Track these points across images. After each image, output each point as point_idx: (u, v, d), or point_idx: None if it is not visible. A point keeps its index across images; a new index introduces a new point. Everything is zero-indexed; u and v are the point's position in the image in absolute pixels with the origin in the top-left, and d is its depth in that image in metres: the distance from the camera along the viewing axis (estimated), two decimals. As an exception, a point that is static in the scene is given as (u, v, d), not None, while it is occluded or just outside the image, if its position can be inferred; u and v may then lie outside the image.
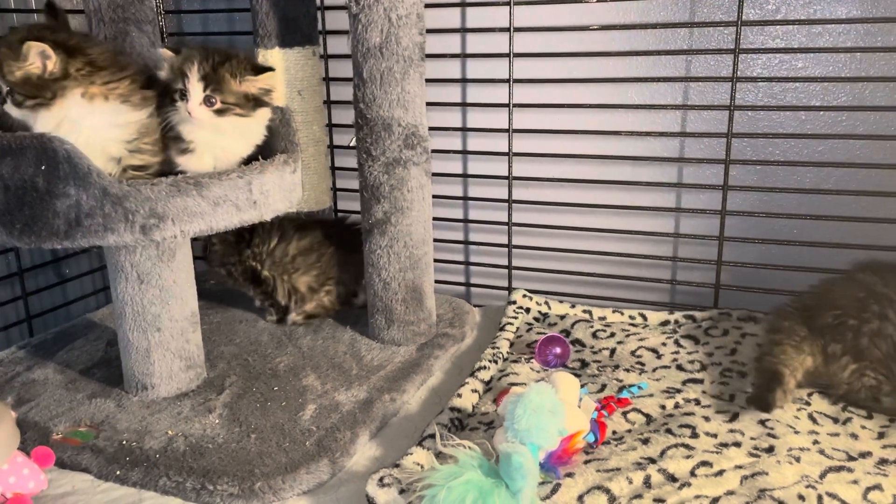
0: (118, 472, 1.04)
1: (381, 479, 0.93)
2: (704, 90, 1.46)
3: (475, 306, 1.62)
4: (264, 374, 1.29)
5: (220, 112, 1.13)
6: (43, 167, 0.98)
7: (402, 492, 0.91)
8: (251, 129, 1.20)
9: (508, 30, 1.49)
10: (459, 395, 1.16)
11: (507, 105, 1.53)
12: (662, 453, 0.98)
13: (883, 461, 0.94)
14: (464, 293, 1.74)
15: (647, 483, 0.92)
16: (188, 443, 1.09)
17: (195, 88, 1.11)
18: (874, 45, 1.33)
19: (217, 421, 1.15)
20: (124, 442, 1.10)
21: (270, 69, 1.18)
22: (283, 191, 1.17)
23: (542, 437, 0.92)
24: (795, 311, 1.19)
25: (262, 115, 1.21)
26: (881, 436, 0.99)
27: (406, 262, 1.37)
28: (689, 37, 1.45)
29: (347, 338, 1.43)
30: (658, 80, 1.47)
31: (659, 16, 1.45)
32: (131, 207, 1.01)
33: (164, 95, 1.15)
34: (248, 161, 1.19)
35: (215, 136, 1.16)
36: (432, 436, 1.05)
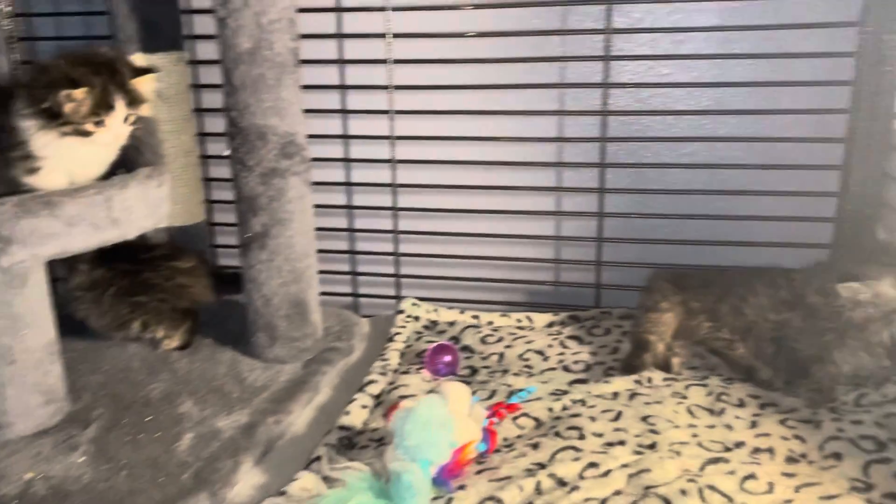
0: (-34, 526, 0.93)
1: (265, 510, 0.88)
2: (579, 96, 1.50)
3: (364, 317, 1.59)
4: (136, 403, 1.20)
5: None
6: None
7: (288, 521, 0.87)
8: (116, 140, 1.11)
9: (385, 36, 1.47)
10: (348, 413, 1.13)
11: (388, 112, 1.51)
12: (552, 457, 0.98)
13: (756, 450, 0.98)
14: (352, 304, 1.70)
15: (538, 489, 0.92)
16: (50, 485, 0.99)
17: (120, 112, 1.05)
18: (732, 51, 1.41)
19: (82, 459, 1.05)
20: (-27, 491, 0.99)
21: (151, 70, 1.10)
22: (147, 207, 1.09)
23: (432, 452, 0.90)
24: (668, 273, 1.31)
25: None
26: (753, 425, 1.04)
27: (288, 276, 1.31)
28: (563, 45, 1.48)
29: (228, 358, 1.36)
30: (535, 86, 1.49)
31: (533, 24, 1.47)
32: (-30, 231, 0.91)
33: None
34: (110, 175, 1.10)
35: (76, 149, 1.07)
36: (320, 458, 1.00)
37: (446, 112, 1.51)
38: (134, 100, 1.07)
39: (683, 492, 0.89)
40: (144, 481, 1.00)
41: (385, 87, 1.50)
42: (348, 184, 1.63)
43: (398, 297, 1.61)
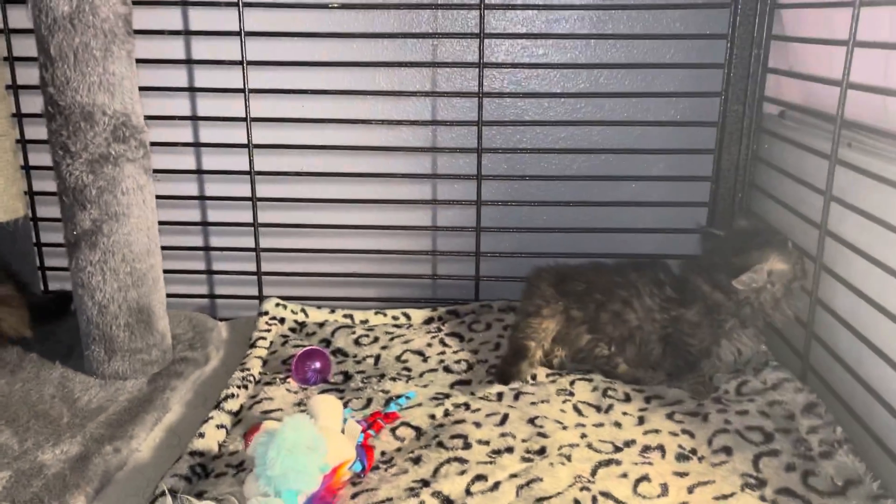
0: None
1: (94, 568, 0.73)
2: (452, 76, 1.41)
3: (221, 320, 1.42)
4: (-65, 438, 0.99)
5: None
6: None
7: (124, 579, 0.72)
8: None
9: (237, 5, 1.31)
10: (202, 435, 0.98)
11: (243, 90, 1.35)
12: (436, 472, 0.89)
13: (646, 448, 0.94)
14: (208, 306, 1.53)
15: (422, 511, 0.83)
16: None
17: None
18: (606, 31, 1.37)
19: None
20: None
21: None
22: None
23: (300, 481, 0.78)
24: (550, 273, 1.22)
25: None
26: (641, 421, 1.00)
27: (126, 280, 1.14)
28: (434, 21, 1.38)
29: (56, 376, 1.17)
30: (405, 64, 1.39)
31: (402, -3, 1.36)
32: None
33: None
34: None
35: None
36: (168, 492, 0.85)
37: (309, 91, 1.38)
38: None
39: (577, 502, 0.82)
40: (-61, 541, 0.81)
41: (239, 63, 1.34)
42: (200, 172, 1.46)
43: (260, 298, 1.45)
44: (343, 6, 1.35)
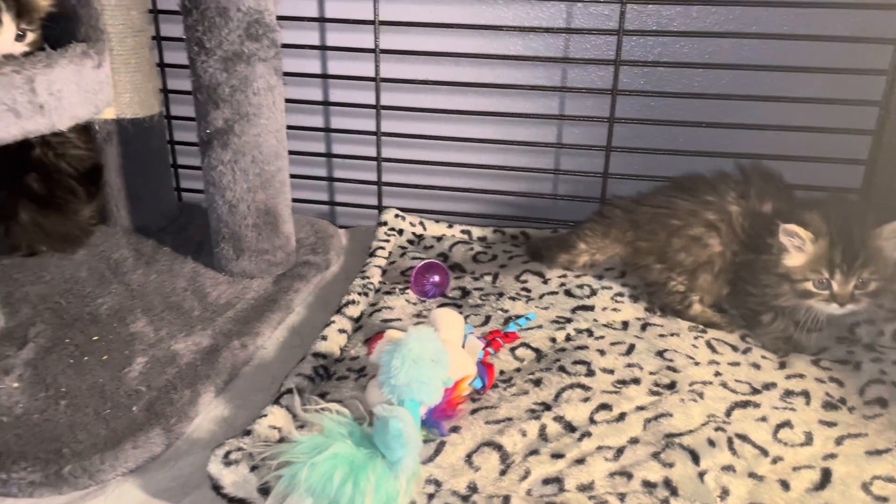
0: None
1: (226, 455, 0.76)
2: (592, -19, 1.30)
3: (340, 228, 1.43)
4: (81, 319, 1.05)
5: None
6: None
7: (253, 468, 0.74)
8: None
9: None
10: (324, 338, 0.99)
11: (372, -8, 1.30)
12: (557, 396, 0.86)
13: (788, 393, 0.87)
14: (327, 213, 1.54)
15: (543, 434, 0.80)
16: (-26, 417, 0.85)
17: (8, 29, 0.89)
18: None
19: (16, 385, 0.91)
20: None
21: None
22: (83, 91, 0.90)
23: (423, 392, 0.77)
24: (627, 202, 1.16)
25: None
26: (783, 365, 0.93)
27: (256, 181, 1.15)
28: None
29: (188, 270, 1.21)
30: (543, -33, 1.29)
31: None
32: None
33: None
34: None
35: None
36: (291, 391, 0.87)
37: (439, -5, 1.31)
38: (23, 10, 0.91)
39: (711, 442, 0.77)
40: (87, 413, 0.86)
41: (369, -38, 1.28)
42: (325, 76, 1.44)
43: (380, 208, 1.45)
44: None
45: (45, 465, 0.79)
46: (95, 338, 1.01)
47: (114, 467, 0.80)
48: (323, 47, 1.41)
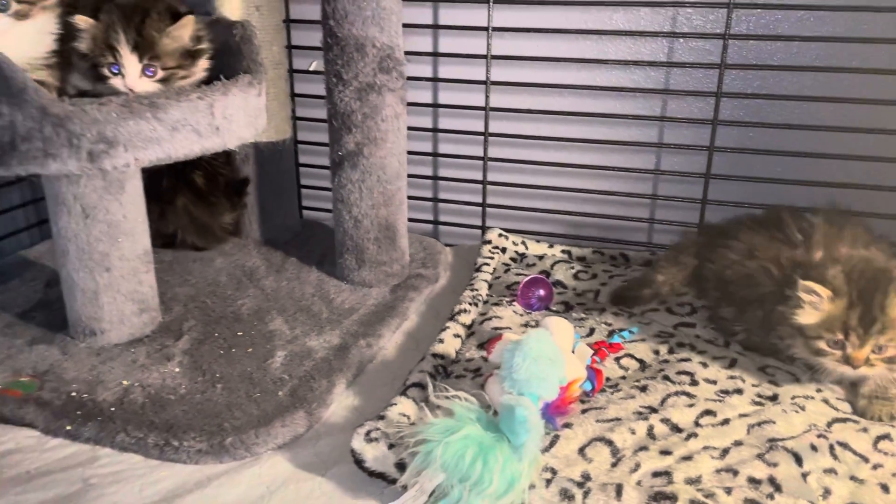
0: (68, 428, 0.93)
1: (367, 433, 0.86)
2: (693, 16, 1.38)
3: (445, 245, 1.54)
4: (225, 317, 1.19)
5: (165, 80, 1.04)
6: (-33, 81, 0.83)
7: (391, 446, 0.84)
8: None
9: (490, -56, 1.36)
10: (441, 341, 1.09)
11: (486, 28, 1.42)
12: (663, 401, 0.93)
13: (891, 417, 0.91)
14: (431, 231, 1.66)
15: (651, 433, 0.87)
16: (147, 394, 0.99)
17: (130, 63, 1.01)
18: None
19: (177, 370, 1.05)
20: (73, 394, 0.99)
21: (189, 12, 1.07)
22: (247, 116, 1.05)
23: (542, 387, 0.86)
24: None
25: (203, 66, 1.11)
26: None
27: (379, 199, 1.27)
28: (681, -38, 1.35)
29: (314, 278, 1.34)
30: (646, 3, 1.38)
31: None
32: (76, 130, 0.87)
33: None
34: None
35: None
36: (417, 384, 0.97)
37: (546, 30, 1.41)
38: (149, 47, 1.03)
39: (814, 447, 0.83)
40: (240, 395, 0.99)
41: (484, 2, 1.40)
42: (437, 105, 1.56)
43: (483, 228, 1.55)
44: (591, -55, 1.36)
45: (210, 437, 0.91)
46: (240, 333, 1.14)
47: (266, 442, 0.92)
48: (436, 79, 1.54)
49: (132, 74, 1.01)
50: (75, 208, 1.02)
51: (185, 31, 1.05)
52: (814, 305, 0.91)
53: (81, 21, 1.00)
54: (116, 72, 1.02)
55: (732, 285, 1.08)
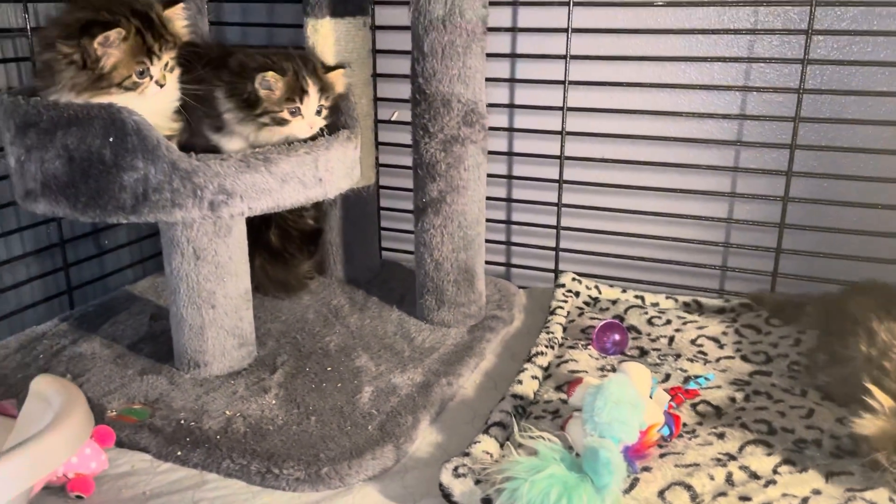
0: (178, 453, 1.02)
1: (455, 469, 0.91)
2: (766, 70, 1.42)
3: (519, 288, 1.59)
4: (315, 353, 1.27)
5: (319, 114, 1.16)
6: (111, 139, 0.94)
7: (477, 482, 0.89)
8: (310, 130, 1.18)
9: (567, 4, 1.44)
10: (520, 382, 1.14)
11: (563, 82, 1.48)
12: (741, 449, 0.95)
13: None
14: (504, 274, 1.71)
15: (730, 480, 0.90)
16: (248, 424, 1.07)
17: (313, 102, 1.13)
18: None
19: (274, 402, 1.12)
20: (182, 421, 1.07)
21: (341, 66, 1.19)
22: (345, 167, 1.13)
23: (623, 431, 0.90)
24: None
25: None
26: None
27: (459, 243, 1.33)
28: (755, 15, 1.40)
29: (395, 318, 1.41)
30: (720, 59, 1.42)
31: (725, -7, 1.40)
32: (200, 183, 0.97)
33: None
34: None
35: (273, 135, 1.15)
36: (498, 424, 1.02)
37: (621, 84, 1.47)
38: (325, 88, 1.14)
39: (892, 501, 0.84)
40: (333, 428, 1.05)
41: (561, 57, 1.47)
42: (513, 154, 1.63)
43: (556, 271, 1.60)
44: (668, 3, 1.42)
45: (307, 466, 0.98)
46: (329, 368, 1.22)
47: (358, 473, 0.98)
48: (513, 129, 1.61)
49: (310, 114, 1.13)
50: (188, 251, 1.12)
51: (340, 79, 1.18)
52: None
53: (272, 77, 1.09)
54: (295, 113, 1.11)
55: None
